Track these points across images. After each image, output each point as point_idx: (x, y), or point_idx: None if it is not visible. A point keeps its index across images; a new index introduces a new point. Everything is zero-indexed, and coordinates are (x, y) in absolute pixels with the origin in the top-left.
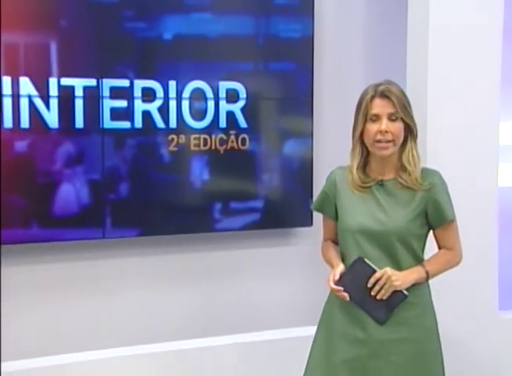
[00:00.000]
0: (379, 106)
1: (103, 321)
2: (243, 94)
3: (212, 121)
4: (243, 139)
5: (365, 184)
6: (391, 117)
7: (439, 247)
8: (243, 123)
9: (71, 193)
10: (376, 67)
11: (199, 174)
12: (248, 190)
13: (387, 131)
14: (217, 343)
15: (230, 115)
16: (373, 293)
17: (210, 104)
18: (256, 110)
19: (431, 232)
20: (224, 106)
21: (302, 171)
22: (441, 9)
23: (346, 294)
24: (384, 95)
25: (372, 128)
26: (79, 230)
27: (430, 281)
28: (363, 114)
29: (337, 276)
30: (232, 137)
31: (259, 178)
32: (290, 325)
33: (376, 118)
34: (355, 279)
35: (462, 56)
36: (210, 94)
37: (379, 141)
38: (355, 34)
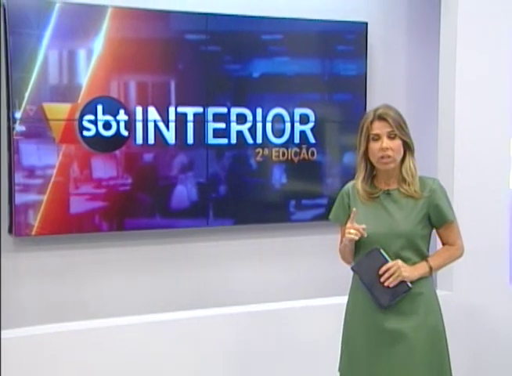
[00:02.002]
0: (378, 128)
1: (203, 292)
2: (312, 118)
3: (289, 138)
4: (312, 152)
5: (374, 194)
6: (390, 136)
7: (442, 244)
8: (312, 140)
9: (184, 192)
10: (415, 97)
11: (278, 178)
12: (316, 191)
13: (387, 148)
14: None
15: (302, 134)
16: (382, 279)
17: (288, 125)
18: (322, 130)
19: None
20: (298, 127)
21: None
22: (467, 49)
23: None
24: (382, 118)
25: (374, 146)
26: (189, 220)
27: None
28: (365, 135)
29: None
30: (304, 150)
31: (324, 182)
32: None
33: (378, 137)
34: (369, 265)
35: (482, 90)
36: (287, 118)
37: (382, 157)
38: (398, 72)
